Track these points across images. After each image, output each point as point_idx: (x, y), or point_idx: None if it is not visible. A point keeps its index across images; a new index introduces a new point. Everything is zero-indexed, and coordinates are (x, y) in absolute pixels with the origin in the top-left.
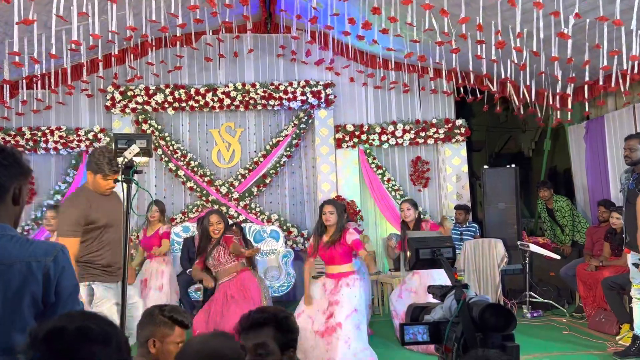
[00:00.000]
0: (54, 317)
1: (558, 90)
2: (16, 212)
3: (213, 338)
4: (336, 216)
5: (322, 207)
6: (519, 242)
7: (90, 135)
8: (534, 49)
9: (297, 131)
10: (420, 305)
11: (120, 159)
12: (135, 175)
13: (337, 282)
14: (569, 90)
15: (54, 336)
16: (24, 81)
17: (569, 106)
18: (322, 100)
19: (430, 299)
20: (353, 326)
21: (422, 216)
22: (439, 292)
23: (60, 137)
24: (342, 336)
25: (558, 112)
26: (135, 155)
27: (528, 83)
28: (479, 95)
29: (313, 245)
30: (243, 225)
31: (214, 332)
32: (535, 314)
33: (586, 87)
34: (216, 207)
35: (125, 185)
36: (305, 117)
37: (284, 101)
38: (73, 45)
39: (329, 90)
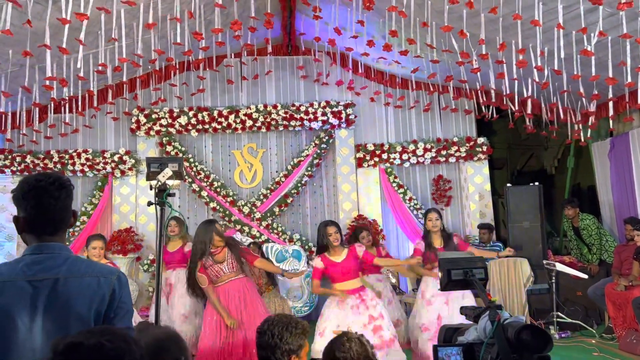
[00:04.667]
0: (76, 332)
1: (582, 108)
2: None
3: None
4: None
5: (326, 227)
6: (544, 262)
7: (115, 158)
8: (556, 67)
9: (318, 151)
10: (452, 327)
11: (153, 182)
12: (168, 197)
13: (360, 296)
14: (593, 108)
15: (71, 350)
16: (52, 104)
17: (590, 123)
18: (343, 120)
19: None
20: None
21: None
22: (472, 313)
23: (87, 159)
24: (399, 346)
25: (580, 127)
26: (168, 179)
27: (552, 101)
28: (495, 114)
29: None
30: (265, 245)
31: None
32: (563, 335)
33: (611, 104)
34: (238, 227)
35: (158, 207)
36: (326, 137)
37: (305, 122)
38: (100, 68)
39: (349, 110)
